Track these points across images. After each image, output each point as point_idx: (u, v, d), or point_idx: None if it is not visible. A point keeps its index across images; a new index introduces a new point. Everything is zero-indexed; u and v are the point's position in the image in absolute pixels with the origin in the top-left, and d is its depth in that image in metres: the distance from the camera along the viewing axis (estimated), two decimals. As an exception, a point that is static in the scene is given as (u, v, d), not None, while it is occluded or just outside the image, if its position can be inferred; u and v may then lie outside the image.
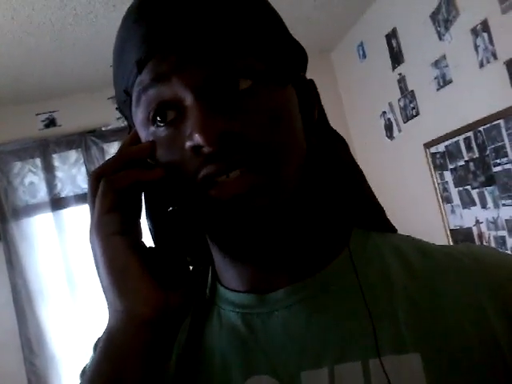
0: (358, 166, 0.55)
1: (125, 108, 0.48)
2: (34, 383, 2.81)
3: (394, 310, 0.45)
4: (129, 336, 0.42)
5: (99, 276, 0.44)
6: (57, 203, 2.98)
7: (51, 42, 2.32)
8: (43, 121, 3.00)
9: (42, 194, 2.97)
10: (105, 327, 0.44)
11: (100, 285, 0.44)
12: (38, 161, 2.97)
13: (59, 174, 2.99)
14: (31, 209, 2.96)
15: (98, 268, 0.44)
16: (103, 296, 0.45)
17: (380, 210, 0.54)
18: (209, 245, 0.51)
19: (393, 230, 0.54)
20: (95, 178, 0.45)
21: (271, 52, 0.44)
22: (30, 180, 2.95)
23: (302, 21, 2.68)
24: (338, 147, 0.54)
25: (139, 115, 0.45)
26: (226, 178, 0.41)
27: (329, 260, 0.49)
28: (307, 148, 0.48)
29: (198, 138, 0.39)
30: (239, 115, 0.41)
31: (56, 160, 3.00)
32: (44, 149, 2.97)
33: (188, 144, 0.41)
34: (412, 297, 0.45)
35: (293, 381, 0.44)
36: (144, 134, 0.45)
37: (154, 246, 0.47)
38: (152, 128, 0.44)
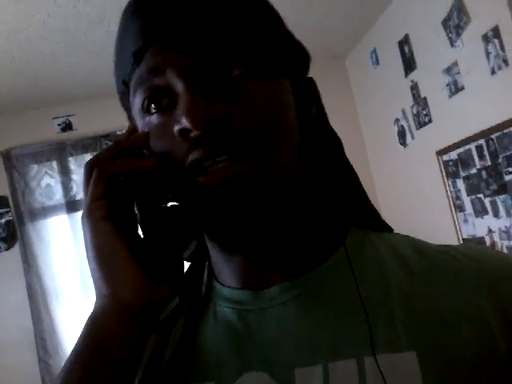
0: (352, 168, 0.55)
1: (124, 100, 0.50)
2: (47, 382, 2.87)
3: (389, 309, 0.44)
4: (111, 320, 0.43)
5: (88, 260, 0.45)
6: (72, 205, 3.04)
7: (66, 47, 2.37)
8: (60, 124, 3.07)
9: (58, 196, 3.04)
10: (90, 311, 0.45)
11: (89, 269, 0.45)
12: (54, 164, 3.05)
13: (75, 176, 3.06)
14: (47, 211, 3.03)
15: (87, 252, 0.45)
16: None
17: (375, 212, 0.54)
18: (205, 241, 0.51)
19: (390, 229, 0.54)
20: (90, 166, 0.46)
21: (264, 44, 0.45)
22: (47, 182, 3.03)
23: (315, 28, 2.68)
24: (335, 147, 0.54)
25: (136, 106, 0.46)
26: (212, 163, 0.41)
27: (325, 258, 0.48)
28: (304, 144, 0.48)
29: (184, 121, 0.40)
30: (228, 101, 0.42)
31: (72, 163, 3.06)
32: (60, 152, 3.04)
33: (176, 128, 0.41)
34: (408, 295, 0.45)
35: (287, 377, 0.44)
36: (140, 124, 0.46)
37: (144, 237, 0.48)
38: (147, 117, 0.45)
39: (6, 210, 2.97)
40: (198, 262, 0.54)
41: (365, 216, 0.53)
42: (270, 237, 0.46)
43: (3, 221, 2.97)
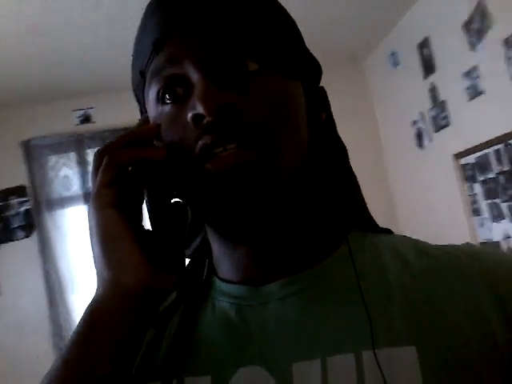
0: (355, 177, 0.56)
1: (139, 92, 0.51)
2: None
3: (389, 305, 0.45)
4: (112, 304, 0.43)
5: (91, 246, 0.45)
6: (89, 197, 3.05)
7: (87, 41, 2.40)
8: (79, 117, 3.11)
9: (76, 187, 3.08)
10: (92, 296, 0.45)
11: (92, 255, 0.45)
12: (72, 155, 3.08)
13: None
14: (65, 201, 3.07)
15: (91, 238, 0.45)
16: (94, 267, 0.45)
17: (373, 221, 0.55)
18: (208, 238, 0.52)
19: (389, 231, 0.55)
20: (100, 154, 0.46)
21: (280, 42, 0.47)
22: (65, 173, 3.07)
23: (335, 30, 2.67)
24: (341, 155, 0.55)
25: (150, 96, 0.47)
26: (222, 150, 0.42)
27: (324, 256, 0.49)
28: (311, 146, 0.49)
29: (199, 107, 0.41)
30: (242, 94, 0.43)
31: (90, 155, 3.08)
32: (79, 144, 3.08)
33: (190, 114, 0.42)
34: (409, 293, 0.45)
35: (284, 372, 0.44)
36: (153, 115, 0.47)
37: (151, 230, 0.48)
38: (160, 107, 0.46)
39: (25, 199, 3.03)
40: (198, 259, 0.55)
41: (364, 221, 0.54)
42: (272, 230, 0.47)
43: (22, 209, 3.03)
